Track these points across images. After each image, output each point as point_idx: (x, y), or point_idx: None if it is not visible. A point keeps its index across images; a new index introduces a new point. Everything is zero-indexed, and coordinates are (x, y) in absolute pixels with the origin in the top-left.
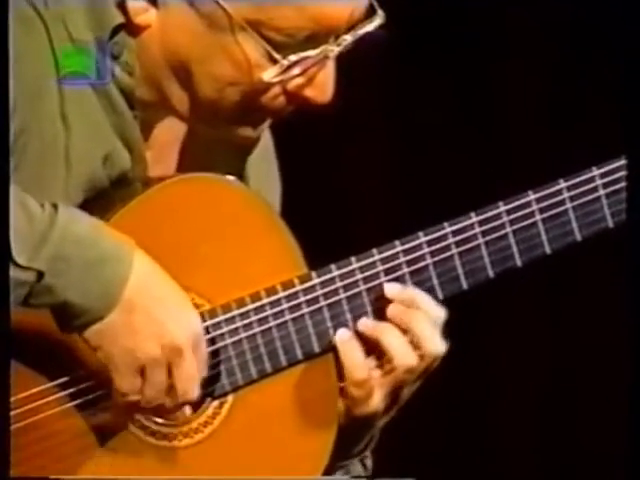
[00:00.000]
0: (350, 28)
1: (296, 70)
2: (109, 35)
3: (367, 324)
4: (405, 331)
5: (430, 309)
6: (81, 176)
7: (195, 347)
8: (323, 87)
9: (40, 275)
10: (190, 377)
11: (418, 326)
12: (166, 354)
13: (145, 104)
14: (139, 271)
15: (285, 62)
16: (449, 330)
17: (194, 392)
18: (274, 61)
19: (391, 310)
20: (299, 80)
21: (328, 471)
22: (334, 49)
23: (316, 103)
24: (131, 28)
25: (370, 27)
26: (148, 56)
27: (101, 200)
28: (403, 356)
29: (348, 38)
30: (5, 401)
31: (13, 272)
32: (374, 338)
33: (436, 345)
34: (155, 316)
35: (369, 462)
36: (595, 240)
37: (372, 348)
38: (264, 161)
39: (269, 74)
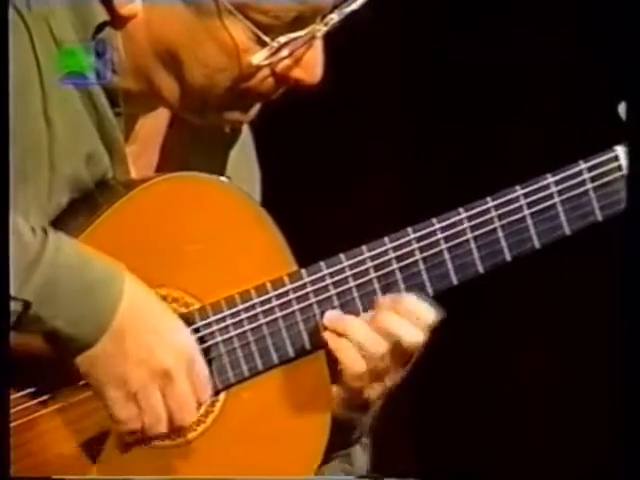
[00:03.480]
0: (336, 6)
1: (285, 52)
2: (92, 33)
3: (331, 316)
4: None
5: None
6: (65, 176)
7: (189, 371)
8: (312, 68)
9: (27, 305)
10: (184, 401)
11: (388, 321)
12: (156, 380)
13: (132, 96)
14: (130, 295)
15: (274, 44)
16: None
17: (189, 416)
18: (262, 44)
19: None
20: (287, 61)
21: (329, 460)
22: (321, 29)
23: (305, 84)
24: (117, 20)
25: (356, 5)
26: (135, 47)
27: (86, 201)
28: (370, 346)
29: (335, 17)
30: (5, 399)
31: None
32: (340, 331)
33: (412, 336)
34: (144, 342)
35: (365, 440)
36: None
37: None
38: (242, 154)
39: (259, 57)
